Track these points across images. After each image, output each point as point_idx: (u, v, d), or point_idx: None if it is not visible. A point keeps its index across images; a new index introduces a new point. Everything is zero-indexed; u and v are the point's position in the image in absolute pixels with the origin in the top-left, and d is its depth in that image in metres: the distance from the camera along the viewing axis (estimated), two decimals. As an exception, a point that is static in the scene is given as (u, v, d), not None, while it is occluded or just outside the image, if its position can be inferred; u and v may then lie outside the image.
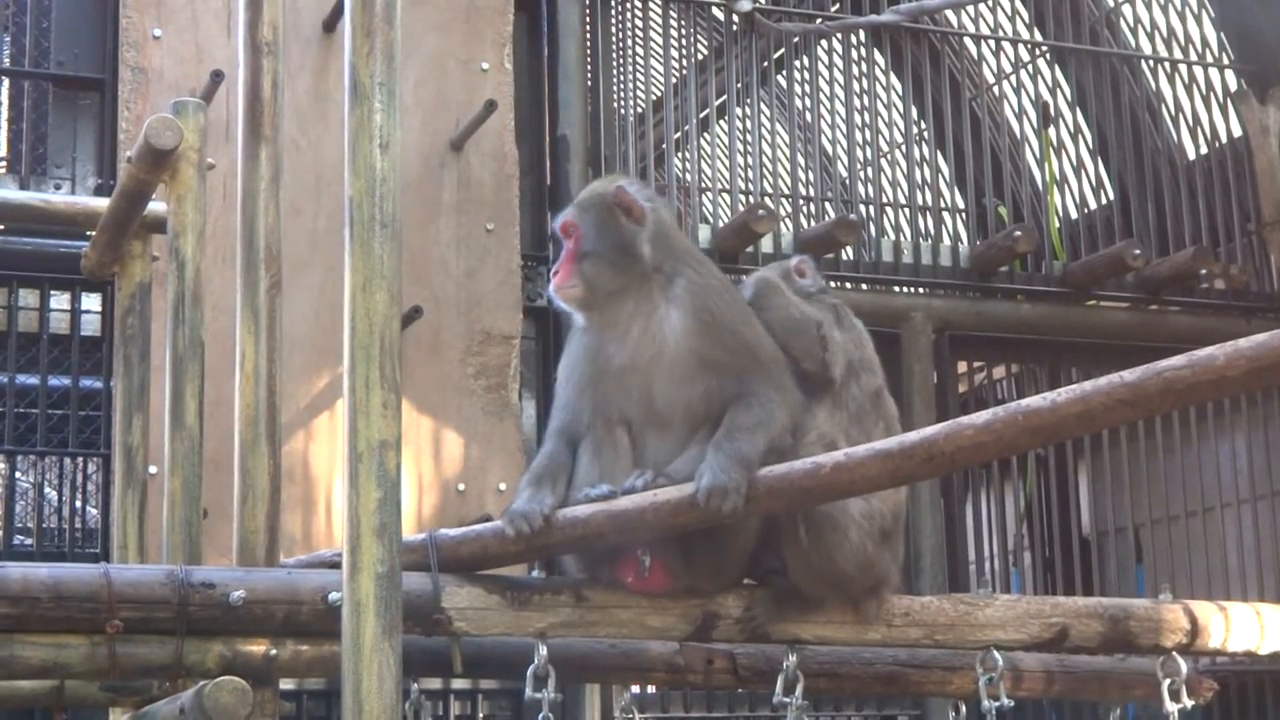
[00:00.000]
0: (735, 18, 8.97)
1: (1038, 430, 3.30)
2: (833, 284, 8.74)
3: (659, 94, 10.28)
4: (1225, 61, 10.04)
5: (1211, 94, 9.97)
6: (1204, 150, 9.95)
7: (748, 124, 9.88)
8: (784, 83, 9.40)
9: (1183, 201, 9.69)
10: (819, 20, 9.42)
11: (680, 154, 9.57)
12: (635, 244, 4.02)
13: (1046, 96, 9.83)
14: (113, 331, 5.66)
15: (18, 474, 10.12)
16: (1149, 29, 10.05)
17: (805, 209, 9.27)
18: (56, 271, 7.24)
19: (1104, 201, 10.23)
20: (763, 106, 9.43)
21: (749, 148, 9.96)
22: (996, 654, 4.13)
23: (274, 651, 3.78)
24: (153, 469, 5.22)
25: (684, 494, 3.72)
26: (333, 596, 3.68)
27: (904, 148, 9.53)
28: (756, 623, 4.01)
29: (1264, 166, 9.46)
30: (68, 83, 7.76)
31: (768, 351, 4.03)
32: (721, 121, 9.19)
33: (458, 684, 7.36)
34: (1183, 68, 9.99)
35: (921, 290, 9.14)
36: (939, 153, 10.30)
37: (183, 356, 4.56)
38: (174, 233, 4.62)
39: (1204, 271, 9.30)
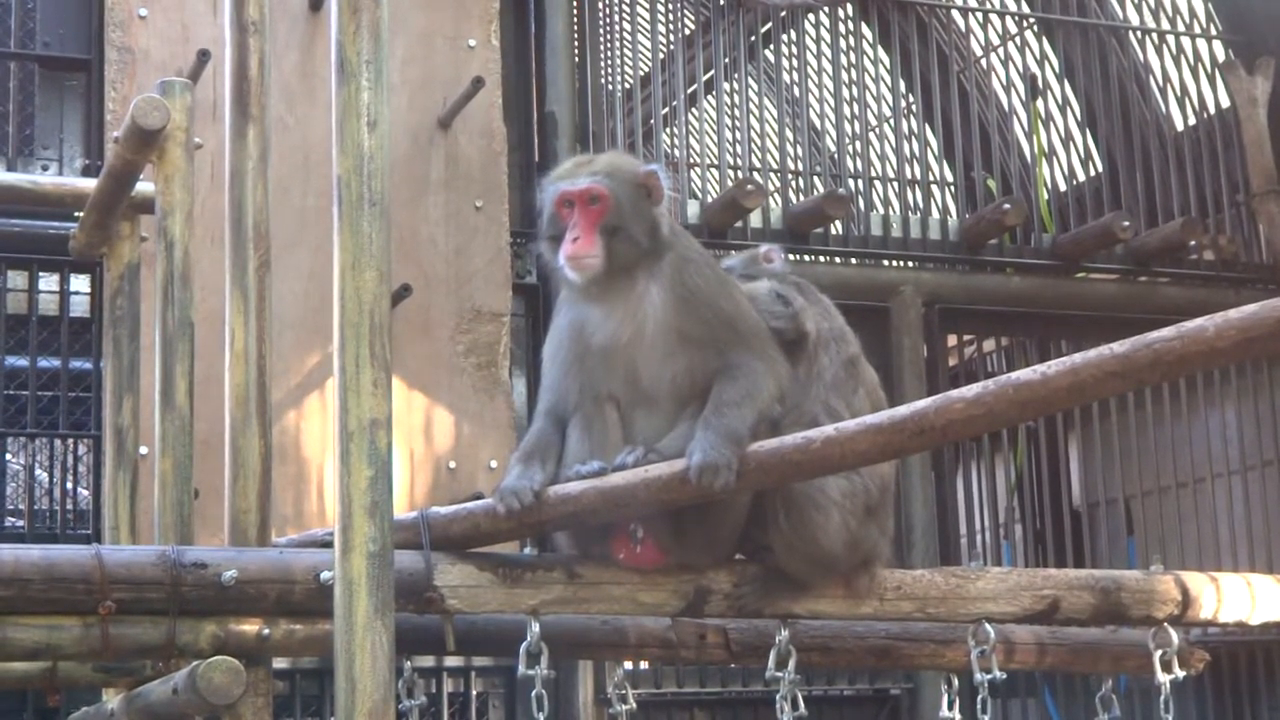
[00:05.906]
0: (722, -8, 8.95)
1: (1028, 403, 3.29)
2: (822, 259, 8.81)
3: (647, 69, 10.26)
4: (1213, 32, 10.04)
5: (1200, 65, 9.96)
6: (1192, 121, 9.95)
7: (736, 99, 9.86)
8: (772, 57, 9.37)
9: (1171, 173, 9.69)
10: (806, -6, 9.40)
11: (668, 129, 9.55)
12: (660, 225, 3.98)
13: (1034, 69, 9.82)
14: (102, 312, 5.66)
15: (8, 456, 10.10)
16: (1136, 0, 10.03)
17: (794, 183, 9.27)
18: (45, 253, 7.23)
19: (1092, 173, 10.23)
20: (750, 81, 9.41)
21: (737, 123, 9.93)
22: (988, 626, 4.14)
23: (267, 631, 3.78)
24: (144, 449, 5.22)
25: (675, 470, 3.71)
26: (325, 575, 3.67)
27: (892, 121, 9.52)
28: (748, 598, 4.01)
29: (1252, 137, 9.46)
30: (54, 63, 7.74)
31: (749, 323, 4.02)
32: (709, 97, 9.18)
33: (451, 661, 7.37)
34: (1171, 39, 9.98)
35: (911, 264, 9.15)
36: (927, 126, 10.28)
37: (172, 337, 4.56)
38: (162, 213, 4.61)
39: (1193, 243, 9.31)
